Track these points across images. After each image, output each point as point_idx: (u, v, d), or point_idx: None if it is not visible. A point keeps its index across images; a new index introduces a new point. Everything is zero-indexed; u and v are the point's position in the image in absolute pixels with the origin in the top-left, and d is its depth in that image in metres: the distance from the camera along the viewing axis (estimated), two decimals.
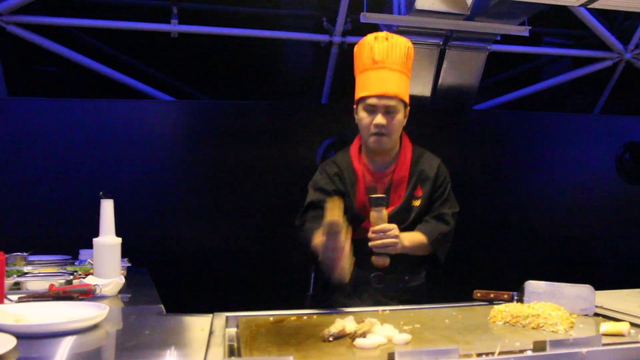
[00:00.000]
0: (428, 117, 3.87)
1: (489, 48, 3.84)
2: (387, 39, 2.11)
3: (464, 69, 3.89)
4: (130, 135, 3.60)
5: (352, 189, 2.21)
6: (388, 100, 2.08)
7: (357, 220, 2.13)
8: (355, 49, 2.18)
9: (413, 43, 3.69)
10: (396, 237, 1.97)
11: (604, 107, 4.74)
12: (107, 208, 2.16)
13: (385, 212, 2.00)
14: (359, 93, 2.15)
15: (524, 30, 3.68)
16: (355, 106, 2.19)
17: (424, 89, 3.83)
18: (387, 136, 2.12)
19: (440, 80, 3.88)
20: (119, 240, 2.17)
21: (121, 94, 3.89)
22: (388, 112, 2.09)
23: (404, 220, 2.17)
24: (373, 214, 1.99)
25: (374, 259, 1.99)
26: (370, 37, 2.13)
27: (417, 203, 2.20)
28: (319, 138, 3.74)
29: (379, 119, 2.08)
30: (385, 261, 1.98)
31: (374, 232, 1.97)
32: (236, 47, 4.03)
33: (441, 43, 3.74)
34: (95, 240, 2.14)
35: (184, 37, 3.81)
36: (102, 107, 3.63)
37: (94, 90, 4.11)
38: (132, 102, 3.74)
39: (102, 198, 2.16)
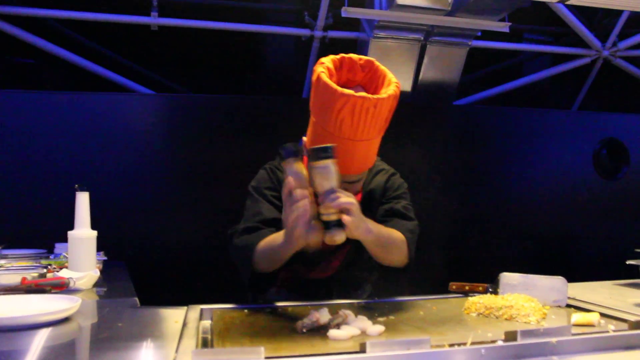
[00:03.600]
0: (408, 112, 3.88)
1: (469, 44, 3.87)
2: (369, 109, 1.53)
3: (444, 65, 3.91)
4: (108, 129, 3.57)
5: None
6: (353, 177, 1.69)
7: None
8: (316, 82, 1.58)
9: (394, 38, 3.75)
10: (352, 202, 1.47)
11: (582, 103, 4.81)
12: (83, 201, 2.14)
13: (335, 168, 1.46)
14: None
15: (504, 27, 3.70)
16: (305, 145, 1.74)
17: (405, 84, 3.84)
18: None
19: (420, 75, 3.90)
20: (94, 233, 2.15)
21: (101, 87, 3.85)
22: (351, 183, 1.71)
23: (359, 252, 1.84)
24: (316, 172, 1.45)
25: (327, 237, 1.45)
26: (342, 92, 1.52)
27: None
28: (299, 132, 3.73)
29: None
30: (341, 237, 1.45)
31: (323, 193, 1.45)
32: (217, 40, 4.00)
33: (422, 38, 3.76)
34: (70, 233, 2.12)
35: (164, 30, 3.78)
36: (81, 100, 3.59)
37: (73, 83, 4.06)
38: (112, 95, 3.70)
39: (77, 191, 2.14)
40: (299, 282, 1.95)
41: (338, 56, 1.68)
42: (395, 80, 1.66)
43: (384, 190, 1.90)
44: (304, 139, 1.78)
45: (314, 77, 1.62)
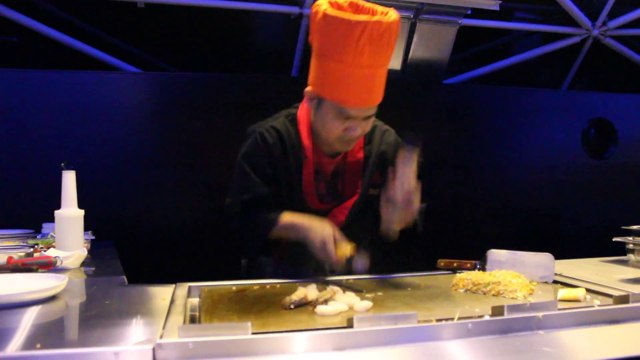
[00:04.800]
0: (398, 90, 3.84)
1: (459, 22, 3.84)
2: (384, 33, 1.58)
3: (434, 43, 3.88)
4: (95, 108, 3.52)
5: (297, 171, 1.82)
6: (371, 109, 1.72)
7: (299, 205, 1.84)
8: (323, 20, 1.60)
9: None
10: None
11: (571, 82, 4.80)
12: (69, 179, 2.12)
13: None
14: (329, 92, 1.68)
15: (494, 5, 3.68)
16: (314, 95, 1.75)
17: (394, 63, 3.82)
18: (357, 139, 1.81)
19: (410, 54, 3.87)
20: (81, 212, 2.13)
21: (86, 65, 3.79)
22: (366, 118, 1.74)
23: (363, 214, 1.91)
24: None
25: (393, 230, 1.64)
26: (358, 19, 1.56)
27: (375, 192, 1.85)
28: None
29: (356, 130, 1.72)
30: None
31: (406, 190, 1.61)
32: (204, 17, 3.94)
33: (412, 16, 3.73)
34: (56, 212, 2.10)
35: (151, 7, 3.72)
36: (66, 79, 3.53)
37: (58, 62, 3.99)
38: (97, 74, 3.64)
39: (63, 169, 2.12)
40: (296, 244, 1.93)
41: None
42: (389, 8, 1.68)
43: (395, 151, 1.88)
44: (308, 89, 1.78)
45: (318, 16, 1.62)
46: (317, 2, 1.66)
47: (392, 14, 1.63)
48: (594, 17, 4.42)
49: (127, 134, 3.56)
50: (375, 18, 1.58)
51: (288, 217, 1.79)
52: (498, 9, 3.67)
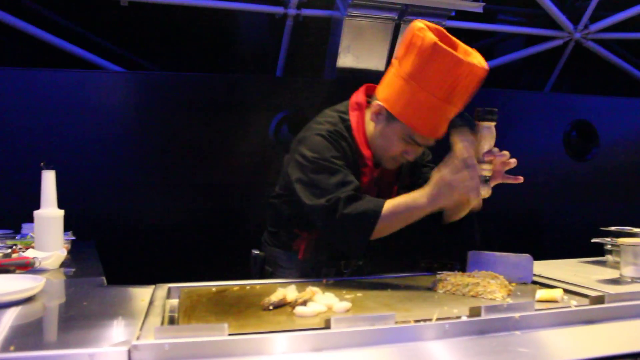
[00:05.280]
0: None
1: (443, 24, 3.85)
2: (481, 77, 1.63)
3: None
4: (77, 106, 3.49)
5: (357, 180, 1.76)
6: (433, 140, 1.78)
7: None
8: (432, 49, 1.58)
9: (368, 17, 3.72)
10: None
11: (554, 85, 4.85)
12: (49, 179, 2.10)
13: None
14: (407, 116, 1.68)
15: (478, 7, 3.70)
16: (385, 111, 1.74)
17: (379, 63, 3.82)
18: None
19: (394, 55, 3.87)
20: (61, 212, 2.11)
21: (68, 63, 3.75)
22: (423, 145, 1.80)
23: None
24: (486, 131, 1.65)
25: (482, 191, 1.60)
26: (468, 60, 1.59)
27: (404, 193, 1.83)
28: (272, 112, 3.71)
29: (412, 155, 1.80)
30: (489, 192, 1.67)
31: (485, 151, 1.63)
32: (188, 17, 3.92)
33: (396, 17, 3.73)
34: (35, 212, 2.08)
35: (135, 6, 3.69)
36: (48, 77, 3.49)
37: (40, 60, 3.94)
38: (80, 73, 3.61)
39: (43, 169, 2.10)
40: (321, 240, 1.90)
41: (427, 24, 1.66)
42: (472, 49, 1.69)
43: (420, 155, 1.94)
44: (379, 102, 1.75)
45: (425, 43, 1.59)
46: (417, 25, 1.64)
47: (482, 60, 1.65)
48: (576, 21, 4.47)
49: (109, 134, 3.53)
50: (477, 61, 1.61)
51: (393, 202, 1.64)
52: (482, 11, 3.69)
